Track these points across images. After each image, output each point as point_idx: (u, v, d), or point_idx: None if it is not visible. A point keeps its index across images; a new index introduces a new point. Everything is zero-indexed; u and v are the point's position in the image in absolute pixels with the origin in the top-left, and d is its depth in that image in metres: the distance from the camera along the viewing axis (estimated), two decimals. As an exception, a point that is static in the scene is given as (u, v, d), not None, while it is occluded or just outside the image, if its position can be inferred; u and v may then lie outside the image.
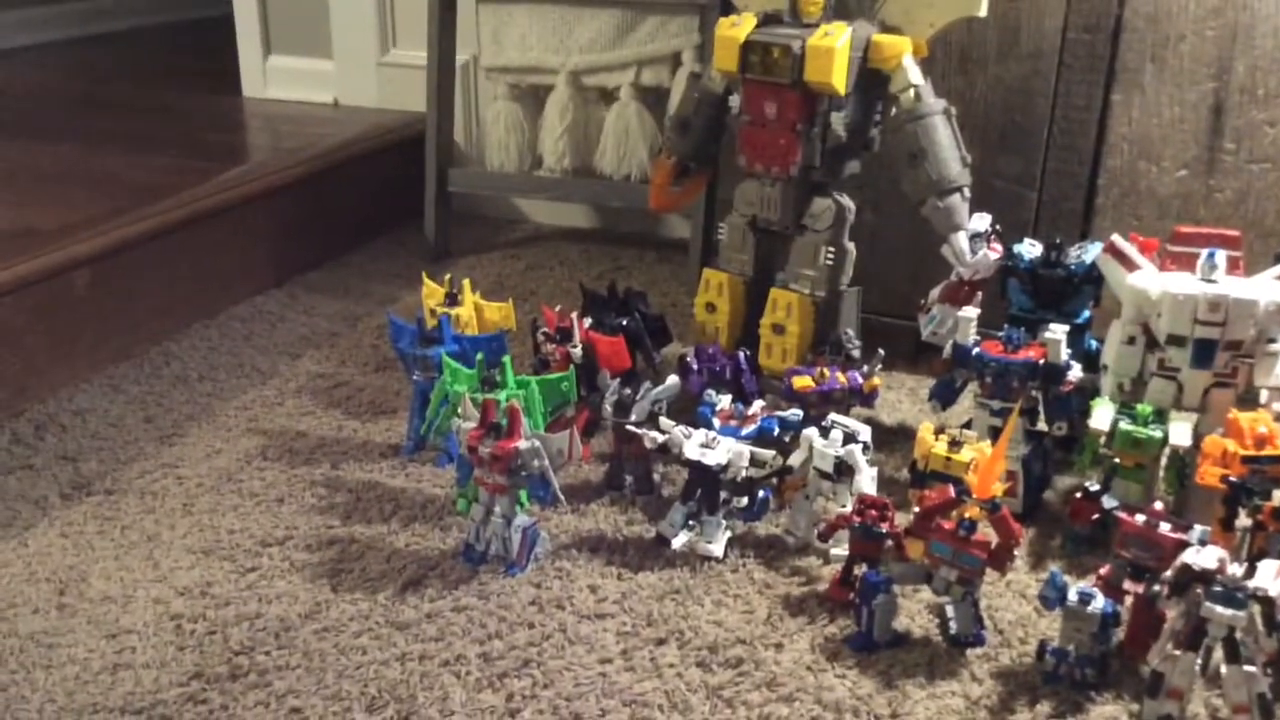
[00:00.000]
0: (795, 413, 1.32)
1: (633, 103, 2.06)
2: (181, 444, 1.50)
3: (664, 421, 1.29)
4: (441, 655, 1.10)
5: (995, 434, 1.29)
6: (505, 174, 2.19)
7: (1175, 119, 1.54)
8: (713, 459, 1.23)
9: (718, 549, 1.25)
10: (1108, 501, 1.13)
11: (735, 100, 1.50)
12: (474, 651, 1.11)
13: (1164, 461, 1.27)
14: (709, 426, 1.29)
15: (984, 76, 1.60)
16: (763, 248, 1.56)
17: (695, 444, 1.25)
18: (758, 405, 1.35)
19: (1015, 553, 1.11)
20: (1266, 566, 0.99)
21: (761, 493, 1.31)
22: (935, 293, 1.48)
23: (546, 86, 2.12)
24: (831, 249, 1.48)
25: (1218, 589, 0.96)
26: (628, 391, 1.35)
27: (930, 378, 1.52)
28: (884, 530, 1.14)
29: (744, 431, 1.30)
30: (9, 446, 1.48)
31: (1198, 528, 1.04)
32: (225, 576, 1.22)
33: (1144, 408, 1.28)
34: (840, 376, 1.38)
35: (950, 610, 1.13)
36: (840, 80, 1.39)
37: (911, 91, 1.41)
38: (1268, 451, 1.17)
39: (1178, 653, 0.99)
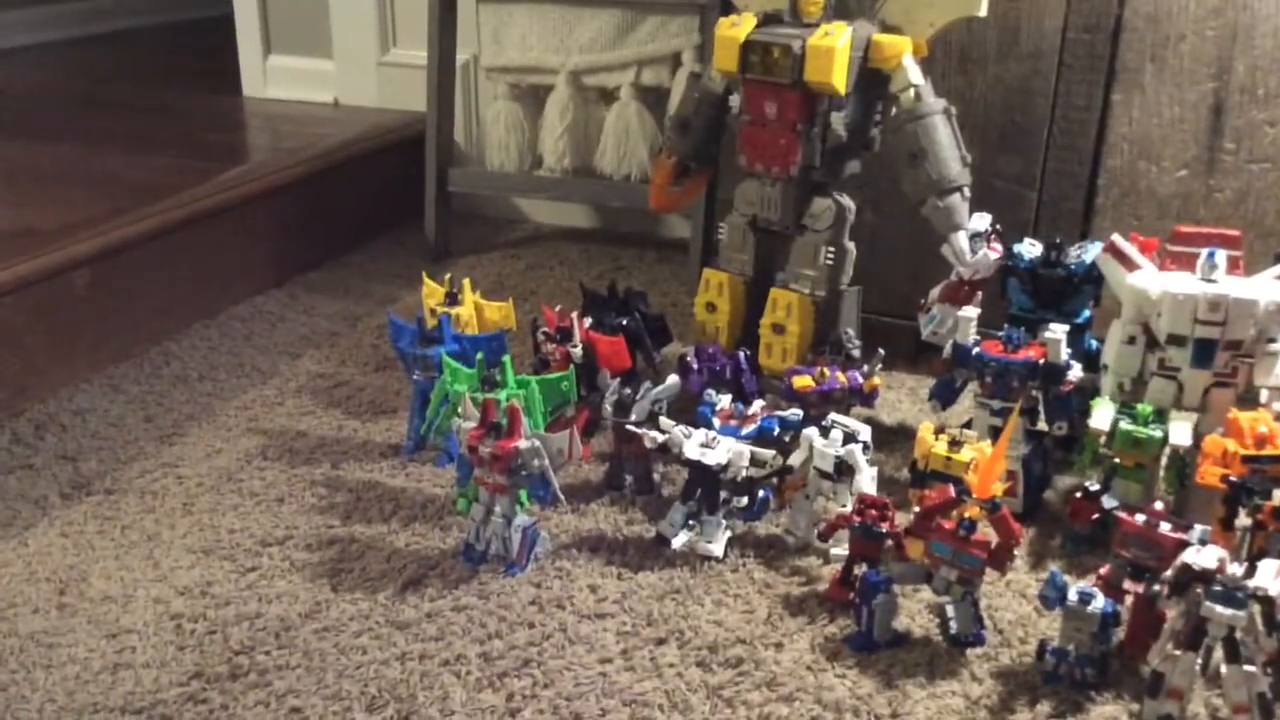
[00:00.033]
0: (795, 412, 1.32)
1: (633, 103, 2.06)
2: (182, 444, 1.50)
3: (664, 421, 1.29)
4: (442, 655, 1.10)
5: (995, 434, 1.29)
6: (505, 174, 2.19)
7: (1175, 119, 1.54)
8: (713, 459, 1.23)
9: (718, 549, 1.25)
10: (1108, 501, 1.13)
11: (735, 100, 1.50)
12: (474, 651, 1.11)
13: (1164, 461, 1.27)
14: (709, 426, 1.29)
15: (984, 76, 1.60)
16: (763, 247, 1.56)
17: (695, 444, 1.25)
18: (758, 405, 1.35)
19: (1015, 552, 1.11)
20: (1266, 566, 0.99)
21: (761, 492, 1.31)
22: (935, 292, 1.48)
23: (547, 86, 2.12)
24: (831, 249, 1.48)
25: (1218, 589, 0.96)
26: (628, 391, 1.35)
27: (930, 377, 1.52)
28: (884, 530, 1.14)
29: (744, 431, 1.30)
30: (9, 446, 1.48)
31: (1198, 527, 1.04)
32: (225, 576, 1.22)
33: (1144, 407, 1.28)
34: (840, 376, 1.38)
35: (950, 610, 1.13)
36: (840, 80, 1.39)
37: (912, 91, 1.41)
38: (1268, 451, 1.17)
39: (1178, 652, 0.99)
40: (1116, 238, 1.34)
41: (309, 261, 2.11)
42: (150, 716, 1.03)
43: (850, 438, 1.26)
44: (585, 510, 1.35)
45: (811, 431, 1.27)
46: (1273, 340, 1.26)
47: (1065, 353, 1.29)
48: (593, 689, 1.06)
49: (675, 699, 1.05)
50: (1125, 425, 1.26)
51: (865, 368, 1.40)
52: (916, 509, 1.14)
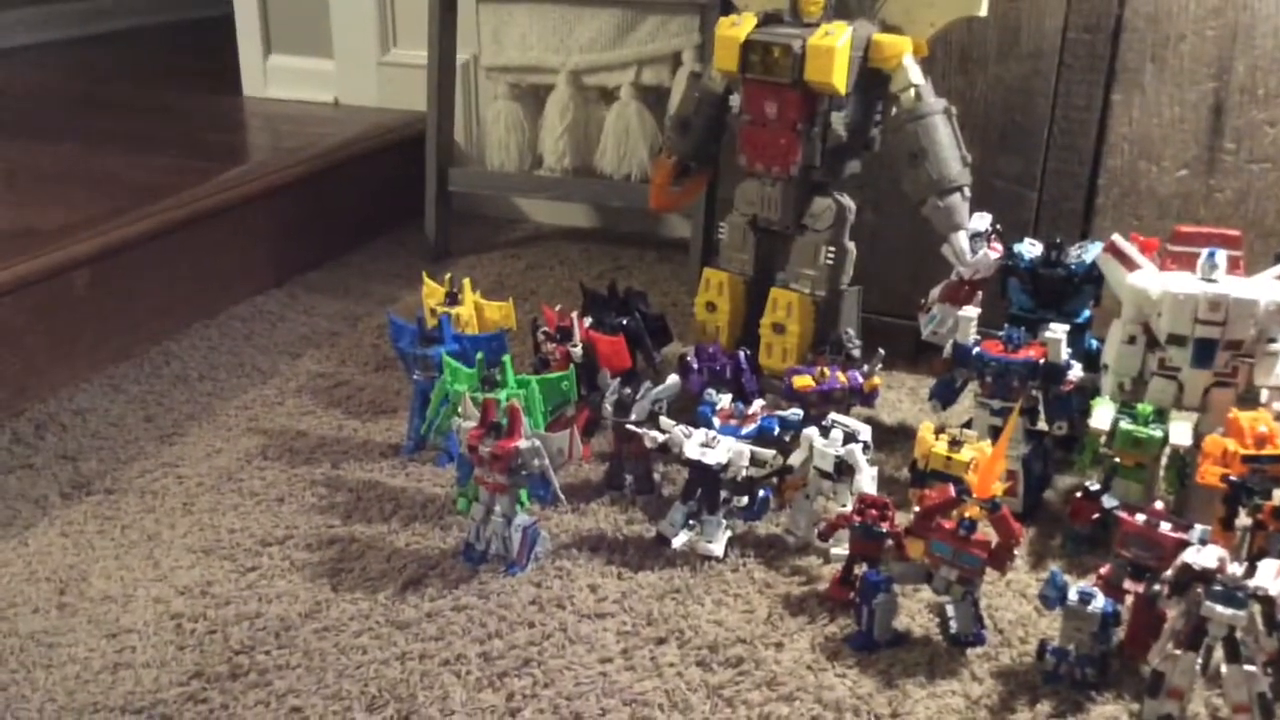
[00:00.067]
0: (795, 412, 1.32)
1: (633, 102, 2.06)
2: (182, 443, 1.50)
3: (664, 421, 1.29)
4: (442, 654, 1.10)
5: (995, 433, 1.29)
6: (505, 173, 2.19)
7: (1175, 119, 1.54)
8: (713, 458, 1.23)
9: (718, 548, 1.25)
10: (1108, 501, 1.13)
11: (735, 100, 1.50)
12: (474, 651, 1.11)
13: (1164, 461, 1.27)
14: (709, 426, 1.29)
15: (984, 76, 1.60)
16: (763, 247, 1.56)
17: (695, 443, 1.25)
18: (758, 405, 1.35)
19: (1015, 552, 1.11)
20: (1267, 566, 0.99)
21: (762, 492, 1.31)
22: (935, 292, 1.48)
23: (547, 86, 2.12)
24: (832, 248, 1.48)
25: (1218, 588, 0.96)
26: (628, 391, 1.35)
27: (930, 377, 1.52)
28: (884, 530, 1.14)
29: (744, 431, 1.30)
30: (9, 446, 1.48)
31: (1198, 527, 1.04)
32: (225, 576, 1.22)
33: (1144, 407, 1.28)
34: (840, 376, 1.38)
35: (950, 610, 1.13)
36: (841, 80, 1.39)
37: (912, 91, 1.41)
38: (1268, 451, 1.17)
39: (1178, 652, 0.99)
40: (1117, 237, 1.34)
41: (309, 261, 2.11)
42: (150, 716, 1.03)
43: (850, 437, 1.26)
44: (585, 510, 1.35)
45: (811, 431, 1.27)
46: (1273, 340, 1.26)
47: (1065, 352, 1.29)
48: (593, 688, 1.06)
49: (675, 698, 1.05)
50: (1125, 425, 1.26)
51: (865, 367, 1.40)
52: (916, 509, 1.14)
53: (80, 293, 1.64)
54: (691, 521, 1.28)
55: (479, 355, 1.36)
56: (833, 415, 1.31)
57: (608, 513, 1.34)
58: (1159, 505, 1.09)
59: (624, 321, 1.56)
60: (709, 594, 1.20)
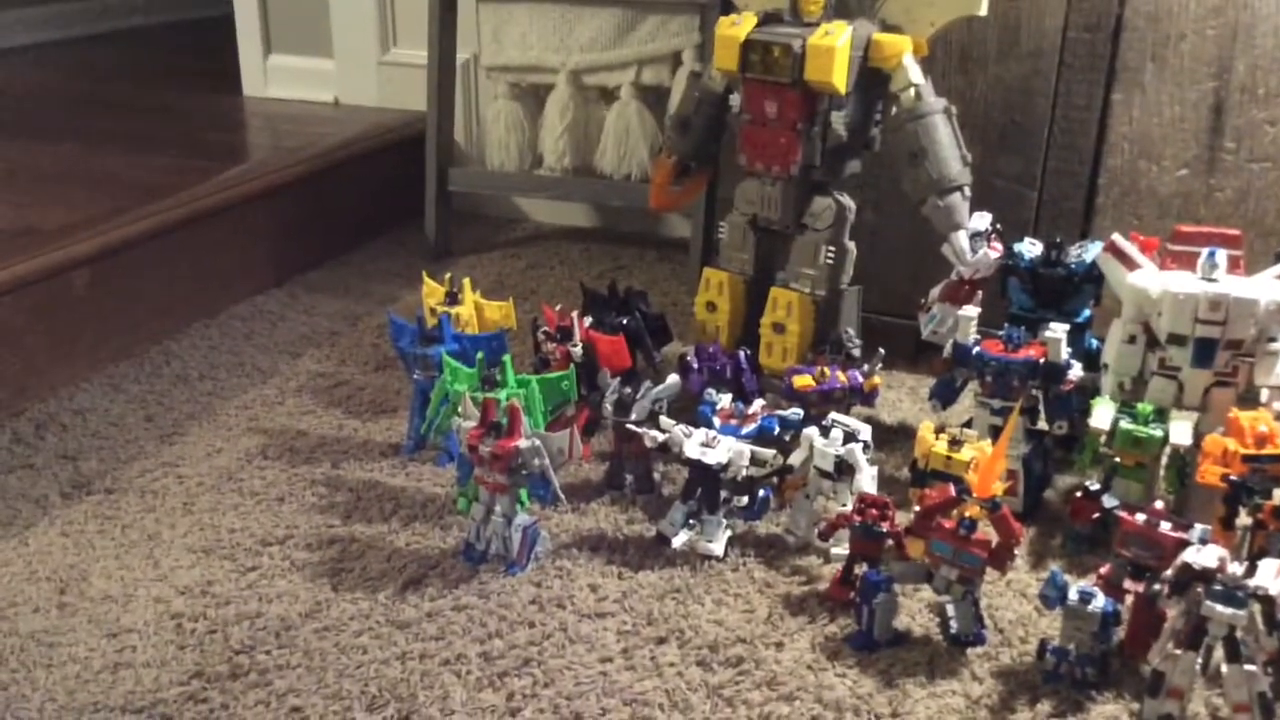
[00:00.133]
0: (795, 412, 1.32)
1: (633, 102, 2.06)
2: (182, 443, 1.50)
3: (664, 420, 1.29)
4: (442, 654, 1.10)
5: (996, 433, 1.29)
6: (505, 173, 2.19)
7: (1176, 118, 1.54)
8: (713, 458, 1.23)
9: (718, 548, 1.25)
10: (1108, 500, 1.13)
11: (736, 99, 1.50)
12: (474, 650, 1.11)
13: (1164, 460, 1.27)
14: (709, 425, 1.29)
15: (984, 76, 1.60)
16: (763, 247, 1.56)
17: (695, 443, 1.25)
18: (758, 404, 1.35)
19: (1015, 552, 1.11)
20: (1267, 565, 0.99)
21: (762, 492, 1.31)
22: (935, 292, 1.48)
23: (547, 86, 2.12)
24: (832, 248, 1.48)
25: (1218, 588, 0.96)
26: (628, 390, 1.35)
27: (930, 377, 1.52)
28: (884, 529, 1.14)
29: (744, 430, 1.30)
30: (9, 446, 1.48)
31: (1198, 526, 1.04)
32: (226, 575, 1.22)
33: (1144, 407, 1.28)
34: (840, 375, 1.38)
35: (951, 609, 1.13)
36: (841, 79, 1.39)
37: (912, 90, 1.41)
38: (1268, 450, 1.17)
39: (1178, 652, 0.99)
40: (1117, 237, 1.34)
41: (309, 261, 2.11)
42: (150, 716, 1.03)
43: (850, 437, 1.26)
44: (585, 510, 1.35)
45: (812, 431, 1.27)
46: (1273, 340, 1.26)
47: (1065, 352, 1.29)
48: (593, 688, 1.06)
49: (675, 698, 1.05)
50: (1125, 424, 1.26)
51: (865, 367, 1.40)
52: (917, 508, 1.14)
53: (80, 292, 1.64)
54: (691, 521, 1.28)
55: (479, 355, 1.36)
56: (833, 415, 1.31)
57: (608, 512, 1.34)
58: (1159, 505, 1.09)
59: (624, 321, 1.56)
60: (709, 594, 1.20)
